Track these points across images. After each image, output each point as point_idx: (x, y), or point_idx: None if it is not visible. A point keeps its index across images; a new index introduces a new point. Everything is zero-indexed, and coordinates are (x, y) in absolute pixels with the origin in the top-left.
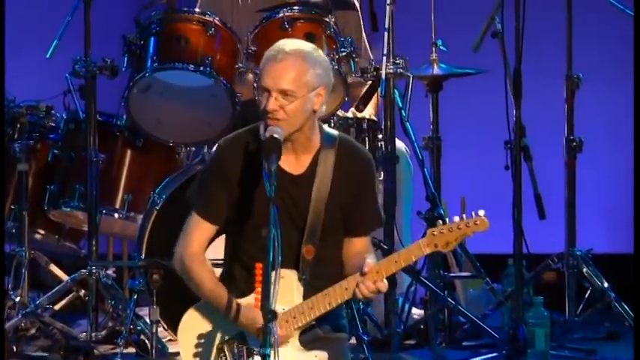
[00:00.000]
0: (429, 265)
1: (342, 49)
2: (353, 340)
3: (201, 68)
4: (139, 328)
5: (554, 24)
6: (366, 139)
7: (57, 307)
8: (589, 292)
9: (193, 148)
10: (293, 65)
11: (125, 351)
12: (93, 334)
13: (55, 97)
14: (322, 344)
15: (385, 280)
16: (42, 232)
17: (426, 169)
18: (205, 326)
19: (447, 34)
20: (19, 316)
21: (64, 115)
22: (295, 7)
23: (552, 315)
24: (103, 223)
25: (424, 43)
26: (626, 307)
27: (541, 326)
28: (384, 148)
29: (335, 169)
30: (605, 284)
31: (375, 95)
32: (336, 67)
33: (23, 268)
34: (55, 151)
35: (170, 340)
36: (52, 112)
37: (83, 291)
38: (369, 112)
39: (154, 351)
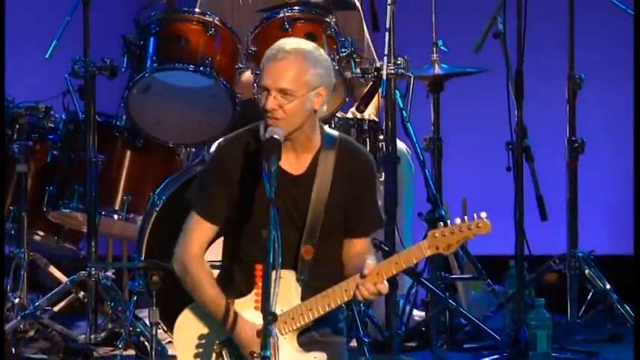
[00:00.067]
0: (430, 266)
1: (343, 50)
2: (354, 342)
3: (201, 69)
4: (138, 329)
5: (555, 24)
6: (367, 139)
7: (56, 308)
8: (591, 293)
9: (193, 149)
10: (293, 64)
11: (125, 353)
12: (92, 336)
13: (55, 98)
14: (320, 347)
15: (386, 282)
16: (41, 233)
17: (427, 170)
18: (201, 326)
19: (448, 34)
20: (18, 317)
21: (63, 116)
22: (296, 8)
23: (554, 317)
24: (102, 224)
25: (425, 43)
26: (629, 309)
27: (543, 328)
28: (384, 149)
29: (335, 169)
30: (608, 286)
31: (377, 96)
32: (337, 67)
33: (22, 270)
34: (55, 152)
35: (170, 342)
36: (51, 112)
37: (82, 293)
38: (369, 111)
39: (153, 353)
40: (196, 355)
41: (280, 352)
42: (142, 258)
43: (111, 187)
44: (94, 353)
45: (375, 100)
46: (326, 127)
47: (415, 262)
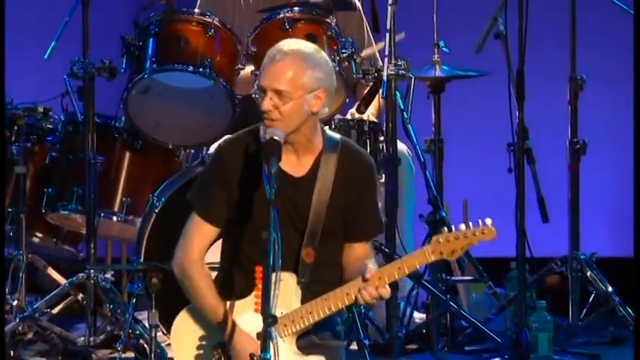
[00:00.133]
0: (431, 268)
1: (343, 50)
2: (354, 345)
3: (201, 69)
4: (137, 332)
5: (557, 24)
6: (368, 141)
7: (55, 311)
8: (593, 296)
9: (193, 150)
10: (290, 66)
11: (124, 355)
12: (91, 338)
13: (53, 99)
14: (319, 350)
15: (387, 287)
16: (39, 235)
17: (427, 172)
18: (199, 328)
19: (449, 35)
20: (17, 320)
21: (61, 117)
22: (296, 8)
23: (555, 319)
24: (101, 226)
25: (426, 44)
26: (631, 312)
27: (544, 331)
28: (385, 151)
29: (337, 172)
30: (609, 288)
31: (377, 97)
32: (337, 68)
33: (21, 272)
34: (53, 154)
35: (169, 344)
36: (50, 114)
37: (81, 295)
38: (370, 111)
39: (152, 355)
40: (194, 357)
41: (279, 355)
42: (141, 260)
43: (110, 188)
44: (93, 356)
45: (375, 101)
46: (327, 130)
47: (418, 267)
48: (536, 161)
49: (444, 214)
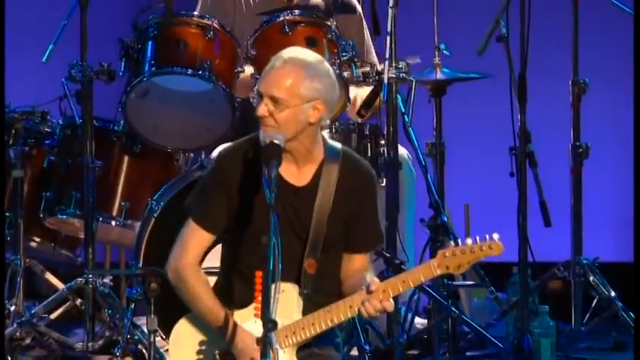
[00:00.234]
0: None
1: (344, 54)
2: (355, 351)
3: (200, 73)
4: (136, 337)
5: (559, 26)
6: (368, 144)
7: (53, 316)
8: (595, 301)
9: (192, 154)
10: (288, 74)
11: None
12: (89, 343)
13: (52, 102)
14: None
15: (391, 300)
16: (37, 239)
17: (429, 176)
18: (198, 338)
19: (450, 37)
20: (14, 325)
21: (60, 121)
22: (296, 11)
23: (558, 324)
24: (99, 230)
25: (427, 47)
26: (634, 317)
27: (546, 336)
28: (386, 154)
29: (338, 182)
30: (612, 293)
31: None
32: (338, 71)
33: (18, 277)
34: (51, 158)
35: (168, 349)
36: (48, 117)
37: (79, 300)
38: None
39: None
40: None
41: None
42: (140, 265)
43: (108, 192)
44: None
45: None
46: (329, 140)
47: (423, 280)
48: (539, 165)
49: (446, 219)
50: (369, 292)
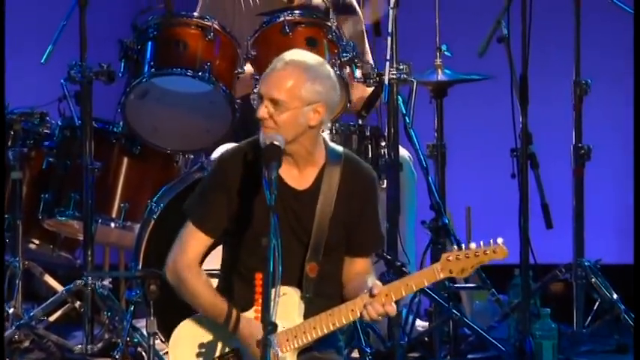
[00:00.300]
0: None
1: (344, 54)
2: (355, 353)
3: (200, 74)
4: (135, 340)
5: (560, 27)
6: (369, 146)
7: (52, 318)
8: (597, 303)
9: (192, 156)
10: (289, 76)
11: None
12: (89, 346)
13: (51, 104)
14: None
15: (394, 304)
16: (36, 241)
17: (430, 177)
18: (197, 341)
19: (451, 38)
20: (13, 327)
21: (59, 122)
22: (296, 11)
23: (560, 327)
24: (99, 232)
25: (428, 48)
26: (636, 319)
27: (548, 338)
28: (387, 156)
29: (340, 185)
30: (614, 295)
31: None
32: (338, 71)
33: (17, 279)
34: (50, 159)
35: (168, 352)
36: (47, 118)
37: (79, 302)
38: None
39: None
40: None
41: None
42: (140, 267)
43: (108, 194)
44: None
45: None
46: (330, 143)
47: (427, 284)
48: (540, 166)
49: (447, 221)
50: (371, 295)
